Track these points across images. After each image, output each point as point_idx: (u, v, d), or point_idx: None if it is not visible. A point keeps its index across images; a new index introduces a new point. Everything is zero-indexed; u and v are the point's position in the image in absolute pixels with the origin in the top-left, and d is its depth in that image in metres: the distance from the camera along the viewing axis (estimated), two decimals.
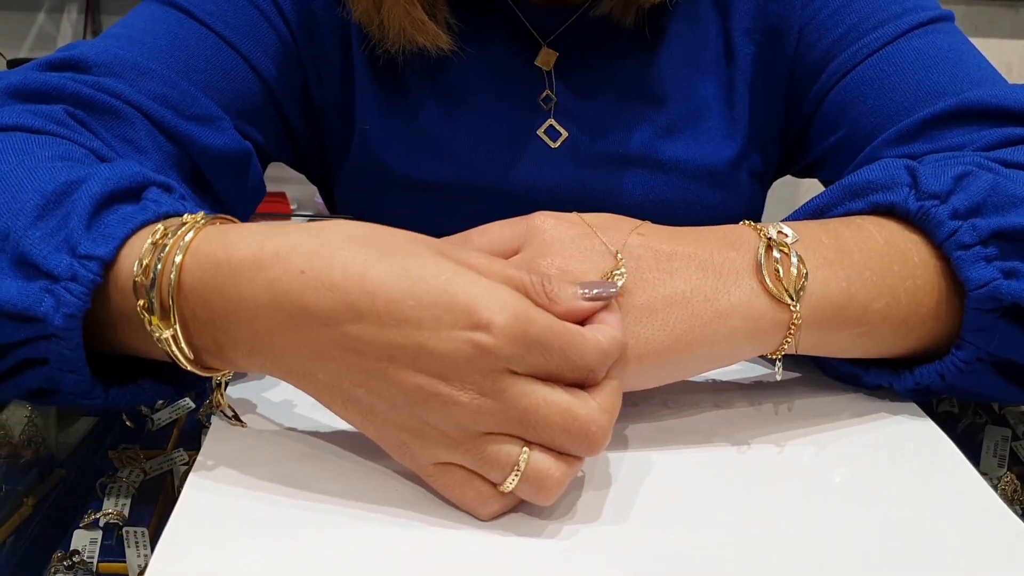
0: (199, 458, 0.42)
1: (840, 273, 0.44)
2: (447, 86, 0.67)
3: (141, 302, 0.38)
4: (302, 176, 0.79)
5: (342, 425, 0.45)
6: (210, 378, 0.43)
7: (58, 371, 0.40)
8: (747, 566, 0.36)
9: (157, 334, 0.39)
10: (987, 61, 0.61)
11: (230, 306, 0.37)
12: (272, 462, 0.41)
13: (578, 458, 0.37)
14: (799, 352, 0.45)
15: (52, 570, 0.45)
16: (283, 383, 0.48)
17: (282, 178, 0.76)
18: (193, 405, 0.57)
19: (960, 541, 0.38)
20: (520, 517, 0.38)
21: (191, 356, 0.40)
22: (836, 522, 0.39)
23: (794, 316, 0.43)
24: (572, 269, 0.42)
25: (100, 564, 0.46)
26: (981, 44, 0.63)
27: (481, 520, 0.38)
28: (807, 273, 0.43)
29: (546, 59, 0.66)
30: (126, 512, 0.48)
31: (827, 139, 0.65)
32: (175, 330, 0.39)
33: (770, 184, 0.75)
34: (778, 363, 0.45)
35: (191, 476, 0.40)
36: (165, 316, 0.38)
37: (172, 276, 0.38)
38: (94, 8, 1.97)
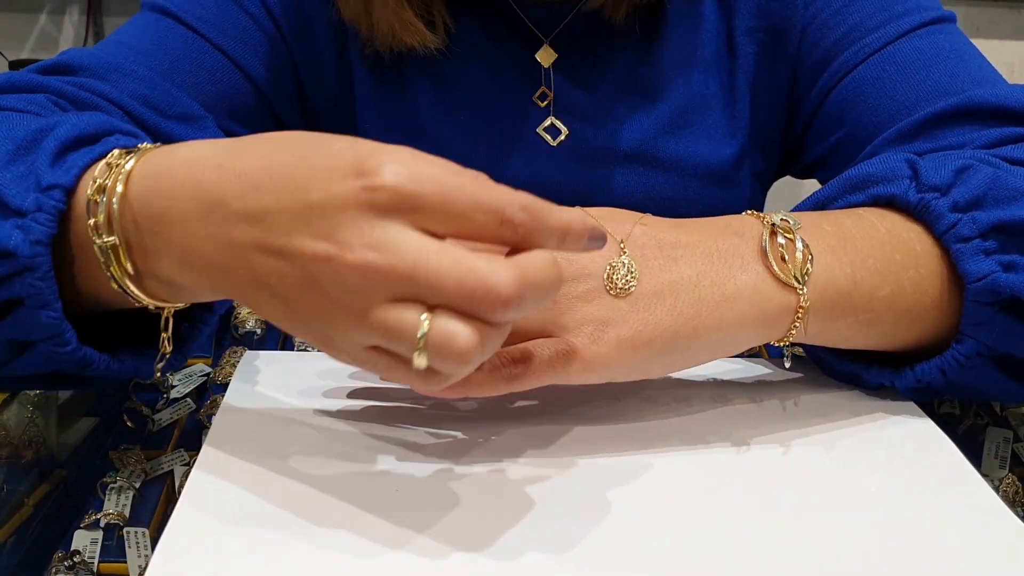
0: (199, 458, 0.42)
1: (844, 259, 0.45)
2: (446, 85, 0.67)
3: (92, 220, 0.40)
4: None
5: (343, 426, 0.45)
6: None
7: (32, 310, 0.41)
8: (745, 567, 0.36)
9: (100, 242, 0.40)
10: (988, 61, 0.61)
11: (163, 208, 0.39)
12: (273, 463, 0.41)
13: (491, 324, 0.34)
14: (805, 341, 0.45)
15: (53, 570, 0.45)
16: (282, 385, 0.49)
17: None
18: (194, 405, 0.57)
19: (961, 542, 0.38)
20: (518, 520, 0.38)
21: (131, 272, 0.40)
22: (836, 522, 0.39)
23: (801, 300, 0.43)
24: (577, 259, 0.42)
25: (101, 564, 0.46)
26: (983, 45, 0.63)
27: (434, 396, 0.37)
28: (812, 258, 0.44)
29: (546, 56, 0.66)
30: (127, 512, 0.48)
31: (828, 138, 0.65)
32: (117, 239, 0.40)
33: (770, 184, 0.75)
34: (786, 351, 0.45)
35: (192, 476, 0.40)
36: (111, 230, 0.40)
37: (119, 187, 0.39)
38: (95, 9, 1.98)
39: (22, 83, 0.52)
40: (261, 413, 0.46)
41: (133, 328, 0.47)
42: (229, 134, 0.62)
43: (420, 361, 0.33)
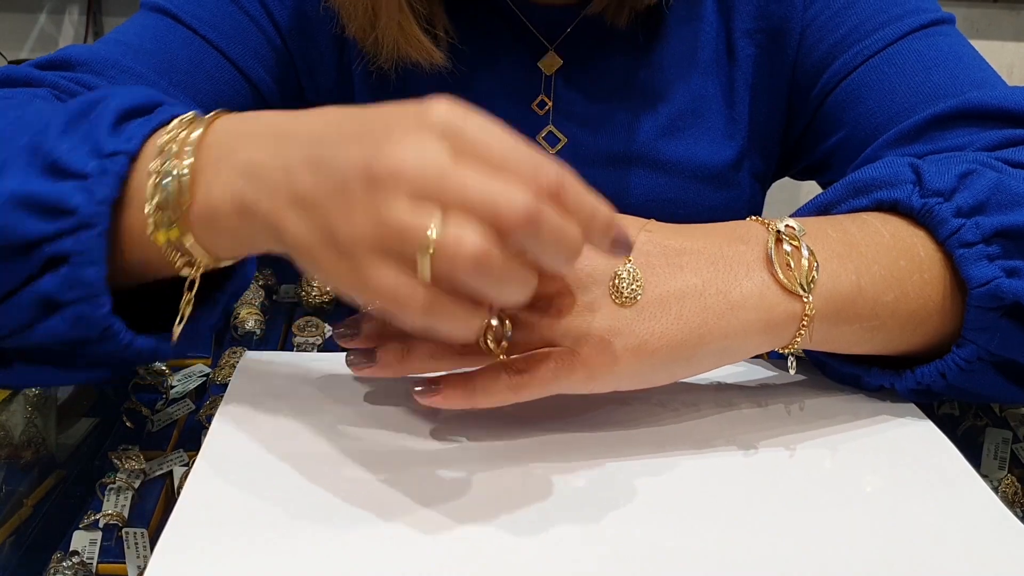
0: (199, 459, 0.42)
1: (849, 266, 0.44)
2: (448, 91, 0.67)
3: (159, 162, 0.41)
4: None
5: (343, 427, 0.45)
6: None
7: (78, 268, 0.41)
8: (750, 568, 0.36)
9: (172, 167, 0.40)
10: (987, 63, 0.61)
11: (239, 141, 0.40)
12: (272, 463, 0.41)
13: (504, 244, 0.34)
14: (809, 347, 0.45)
15: (52, 571, 0.45)
16: (282, 386, 0.49)
17: None
18: (193, 406, 0.57)
19: (961, 543, 0.38)
20: (522, 525, 0.38)
21: (189, 199, 0.40)
22: (838, 523, 0.39)
23: (807, 307, 0.43)
24: (583, 265, 0.42)
25: (100, 565, 0.46)
26: (982, 47, 0.63)
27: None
28: (818, 265, 0.43)
29: (550, 63, 0.66)
30: (126, 513, 0.48)
31: (827, 140, 0.65)
32: (190, 165, 0.40)
33: (769, 185, 0.75)
34: (790, 358, 0.45)
35: (191, 477, 0.40)
36: (180, 158, 0.41)
37: (200, 128, 0.41)
38: (95, 9, 1.97)
39: (19, 77, 0.52)
40: (261, 414, 0.46)
41: (152, 316, 0.47)
42: None
43: (424, 268, 0.33)
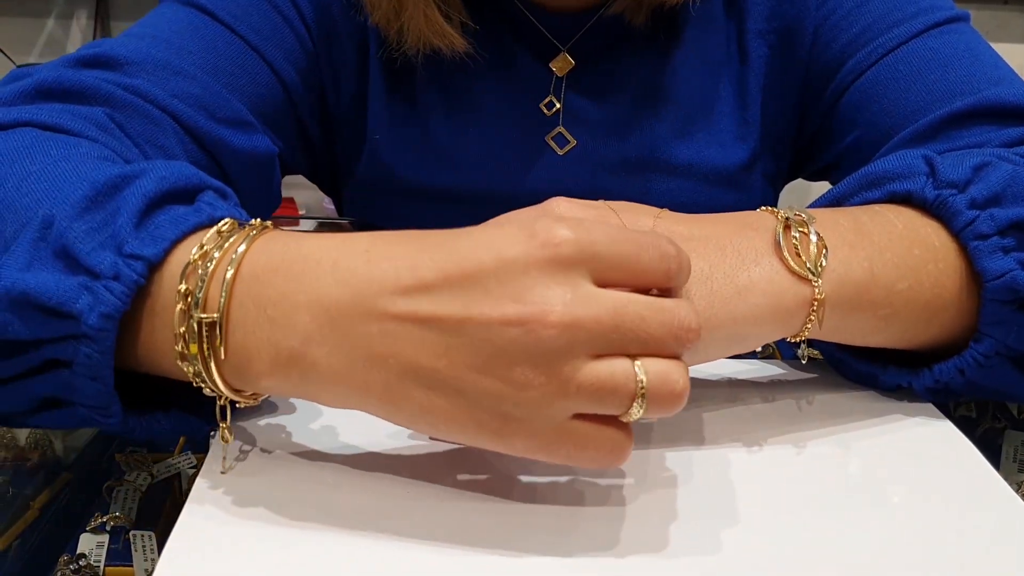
0: (207, 461, 0.41)
1: (861, 253, 0.44)
2: (458, 93, 0.67)
3: (183, 286, 0.35)
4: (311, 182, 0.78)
5: (354, 427, 0.44)
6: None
7: (80, 377, 0.37)
8: (758, 569, 0.35)
9: (197, 316, 0.35)
10: (1003, 61, 0.61)
11: (291, 290, 0.35)
12: (282, 466, 0.41)
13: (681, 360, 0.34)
14: (822, 337, 0.44)
15: (58, 574, 0.45)
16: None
17: (290, 183, 0.77)
18: None
19: (982, 546, 0.37)
20: (529, 530, 0.38)
21: (223, 356, 0.36)
22: (853, 525, 0.38)
23: (816, 291, 0.42)
24: None
25: (107, 568, 0.45)
26: None
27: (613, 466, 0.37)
28: (827, 250, 0.43)
29: (562, 65, 0.65)
30: (133, 516, 0.47)
31: (842, 140, 0.64)
32: (219, 316, 0.35)
33: (782, 187, 0.75)
34: (803, 345, 0.44)
35: (198, 480, 0.40)
36: (211, 306, 0.35)
37: (230, 266, 0.36)
38: (103, 14, 1.98)
39: (68, 86, 0.49)
40: (270, 414, 0.45)
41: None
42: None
43: (637, 411, 0.33)
